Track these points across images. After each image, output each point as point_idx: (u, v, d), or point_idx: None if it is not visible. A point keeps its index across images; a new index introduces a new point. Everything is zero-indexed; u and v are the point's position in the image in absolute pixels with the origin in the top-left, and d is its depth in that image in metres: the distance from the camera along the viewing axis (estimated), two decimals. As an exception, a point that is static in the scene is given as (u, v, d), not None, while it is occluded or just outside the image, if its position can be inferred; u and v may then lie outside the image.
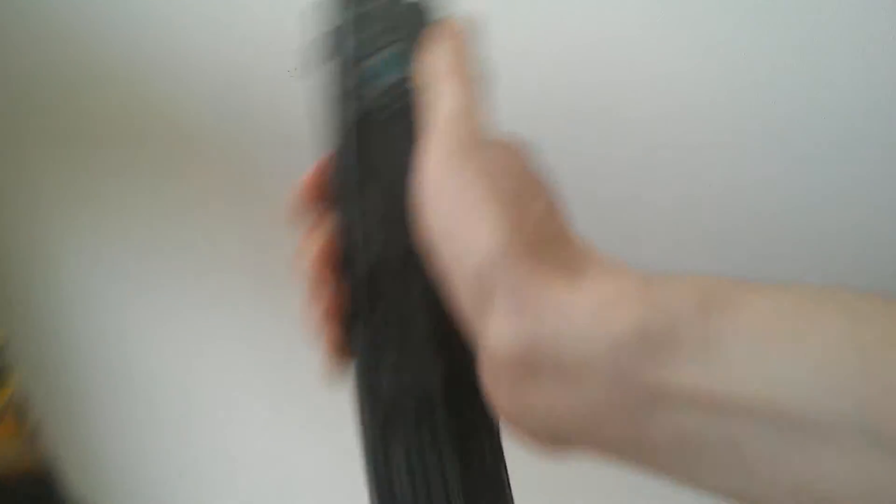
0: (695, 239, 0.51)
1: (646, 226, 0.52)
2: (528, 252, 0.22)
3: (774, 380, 0.18)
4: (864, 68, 0.43)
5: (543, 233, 0.22)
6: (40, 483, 0.78)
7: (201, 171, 0.63)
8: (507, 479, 0.23)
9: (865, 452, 0.17)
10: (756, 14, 0.45)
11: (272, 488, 0.72)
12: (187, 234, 0.66)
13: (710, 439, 0.19)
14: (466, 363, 0.23)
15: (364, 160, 0.23)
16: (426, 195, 0.23)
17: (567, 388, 0.21)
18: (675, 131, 0.48)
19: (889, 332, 0.18)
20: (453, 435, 0.23)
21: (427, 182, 0.23)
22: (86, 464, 0.82)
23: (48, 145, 0.66)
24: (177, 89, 0.59)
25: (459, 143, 0.23)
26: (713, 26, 0.46)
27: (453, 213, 0.22)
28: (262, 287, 0.64)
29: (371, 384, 0.23)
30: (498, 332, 0.21)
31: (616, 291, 0.21)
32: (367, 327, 0.23)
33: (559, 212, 0.24)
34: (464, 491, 0.22)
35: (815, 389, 0.18)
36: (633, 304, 0.20)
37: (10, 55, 0.65)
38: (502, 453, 0.24)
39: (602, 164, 0.51)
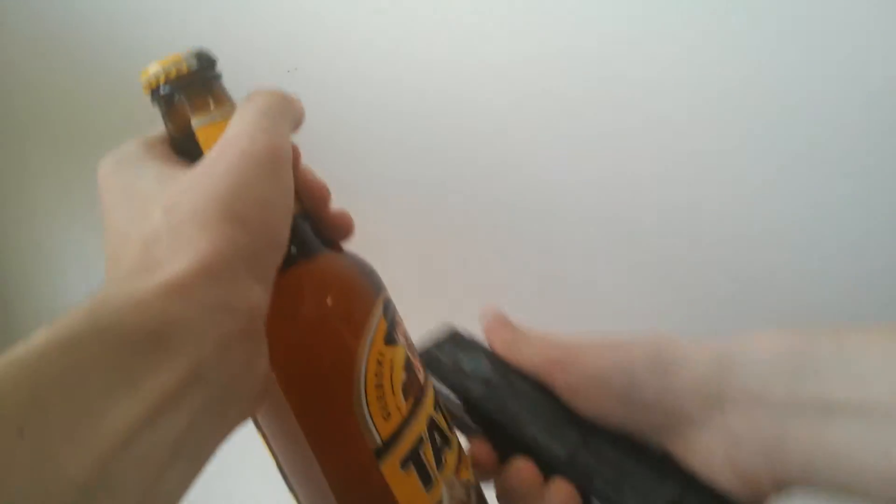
0: (693, 244, 0.51)
1: (650, 229, 0.52)
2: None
3: None
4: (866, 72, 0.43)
5: None
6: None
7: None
8: None
9: None
10: (756, 16, 0.45)
11: (271, 485, 0.72)
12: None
13: (866, 445, 0.25)
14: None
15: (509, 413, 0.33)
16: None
17: (746, 411, 0.28)
18: (674, 135, 0.49)
19: None
20: None
21: None
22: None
23: (48, 145, 0.66)
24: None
25: None
26: (712, 29, 0.46)
27: None
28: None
29: None
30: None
31: (764, 335, 0.29)
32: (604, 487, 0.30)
33: None
34: None
35: None
36: (780, 334, 0.28)
37: (11, 56, 0.65)
38: None
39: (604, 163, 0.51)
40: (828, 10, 0.43)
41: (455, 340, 0.38)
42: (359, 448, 0.27)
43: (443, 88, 0.52)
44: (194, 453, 0.21)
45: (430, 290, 0.59)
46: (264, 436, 0.29)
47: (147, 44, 0.58)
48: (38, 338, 0.19)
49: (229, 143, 0.25)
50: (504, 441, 0.32)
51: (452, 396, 0.34)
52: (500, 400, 0.33)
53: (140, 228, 0.24)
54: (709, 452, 0.30)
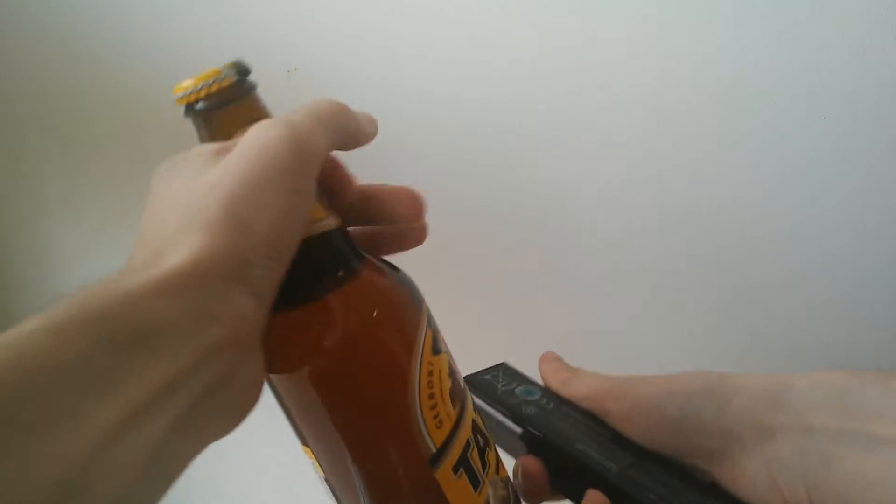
0: (695, 245, 0.52)
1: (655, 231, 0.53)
2: None
3: None
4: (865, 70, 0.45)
5: None
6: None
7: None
8: None
9: None
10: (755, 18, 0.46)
11: (270, 484, 0.72)
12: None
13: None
14: None
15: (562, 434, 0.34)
16: None
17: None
18: (673, 134, 0.50)
19: None
20: None
21: None
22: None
23: (48, 145, 0.64)
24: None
25: None
26: (712, 31, 0.47)
27: None
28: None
29: None
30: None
31: (816, 372, 0.31)
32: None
33: None
34: None
35: None
36: (831, 372, 0.31)
37: (10, 55, 0.63)
38: None
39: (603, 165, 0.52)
40: (829, 10, 0.44)
41: (508, 372, 0.39)
42: (414, 458, 0.27)
43: (444, 89, 0.52)
44: (168, 464, 0.21)
45: (431, 290, 0.59)
46: (312, 451, 0.29)
47: (147, 43, 0.57)
48: (29, 323, 0.19)
49: (251, 137, 0.24)
50: (554, 457, 0.33)
51: (504, 418, 0.35)
52: (552, 420, 0.34)
53: (157, 228, 0.24)
54: (755, 477, 0.31)
